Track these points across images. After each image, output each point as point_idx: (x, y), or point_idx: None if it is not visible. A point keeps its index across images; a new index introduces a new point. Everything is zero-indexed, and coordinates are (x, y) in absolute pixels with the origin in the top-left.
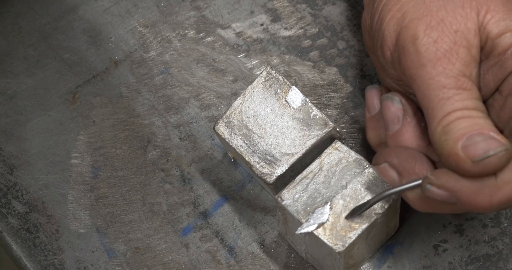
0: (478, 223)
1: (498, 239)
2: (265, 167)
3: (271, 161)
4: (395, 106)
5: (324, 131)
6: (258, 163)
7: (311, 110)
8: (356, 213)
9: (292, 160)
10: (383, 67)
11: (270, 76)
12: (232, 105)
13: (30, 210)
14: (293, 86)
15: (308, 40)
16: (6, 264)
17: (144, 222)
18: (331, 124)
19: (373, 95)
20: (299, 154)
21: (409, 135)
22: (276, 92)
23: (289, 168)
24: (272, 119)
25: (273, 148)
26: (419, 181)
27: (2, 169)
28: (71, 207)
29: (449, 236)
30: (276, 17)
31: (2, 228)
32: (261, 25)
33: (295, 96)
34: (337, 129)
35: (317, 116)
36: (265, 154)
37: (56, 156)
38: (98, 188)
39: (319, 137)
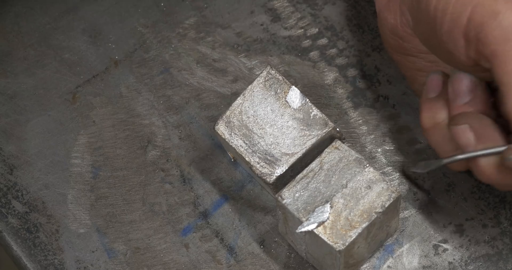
0: (478, 223)
1: (498, 239)
2: (265, 167)
3: (271, 161)
4: (468, 78)
5: (324, 131)
6: (258, 163)
7: (311, 110)
8: (417, 169)
9: (292, 160)
10: (447, 51)
11: (270, 76)
12: (232, 105)
13: (30, 210)
14: (293, 86)
15: (308, 40)
16: (6, 264)
17: (144, 222)
18: (331, 124)
19: (436, 79)
20: (299, 154)
21: (477, 108)
22: (276, 92)
23: (289, 168)
24: (272, 119)
25: (273, 148)
26: (501, 149)
27: (2, 169)
28: (71, 207)
29: (449, 236)
30: (276, 17)
31: (2, 228)
32: (261, 25)
33: (295, 96)
34: (337, 129)
35: (317, 116)
36: (265, 154)
37: (56, 156)
38: (98, 188)
39: (319, 137)
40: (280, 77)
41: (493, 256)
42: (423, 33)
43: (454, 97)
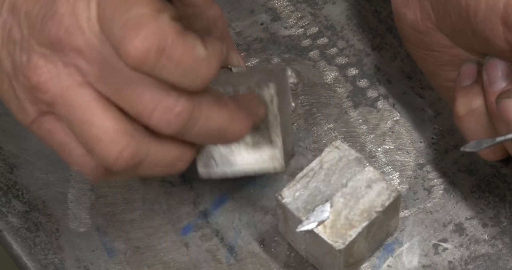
0: (478, 222)
1: (498, 238)
2: None
3: None
4: (503, 63)
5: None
6: None
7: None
8: (469, 148)
9: None
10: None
11: None
12: None
13: (30, 209)
14: None
15: (308, 40)
16: (6, 263)
17: (144, 221)
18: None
19: (470, 67)
20: None
21: None
22: None
23: None
24: None
25: None
26: None
27: (2, 168)
28: (71, 206)
29: (449, 235)
30: (276, 17)
31: (2, 227)
32: (261, 24)
33: None
34: None
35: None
36: None
37: (56, 155)
38: (98, 187)
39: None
40: None
41: (493, 255)
42: (451, 25)
43: (489, 83)
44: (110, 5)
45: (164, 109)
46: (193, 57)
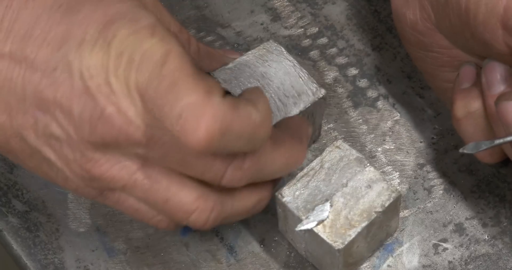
0: (478, 222)
1: (498, 238)
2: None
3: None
4: (501, 67)
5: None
6: None
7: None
8: (467, 149)
9: None
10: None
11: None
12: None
13: (30, 209)
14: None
15: (308, 40)
16: (6, 263)
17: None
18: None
19: (469, 69)
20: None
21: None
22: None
23: None
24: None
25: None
26: None
27: (2, 168)
28: (71, 206)
29: (449, 235)
30: (276, 17)
31: (2, 227)
32: (261, 24)
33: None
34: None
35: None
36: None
37: None
38: None
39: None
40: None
41: (493, 255)
42: (450, 26)
43: (488, 86)
44: (155, 97)
45: (234, 170)
46: (252, 125)
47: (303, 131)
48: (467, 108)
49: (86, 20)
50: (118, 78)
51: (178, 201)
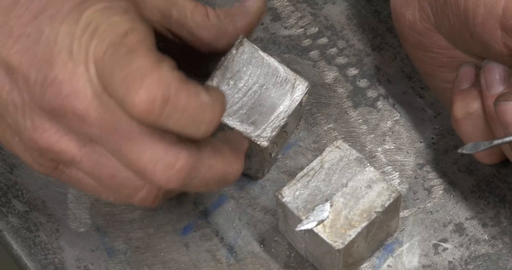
0: (478, 222)
1: (498, 238)
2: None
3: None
4: (500, 67)
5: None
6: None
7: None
8: (466, 150)
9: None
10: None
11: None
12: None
13: (30, 209)
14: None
15: (308, 40)
16: (6, 263)
17: (144, 221)
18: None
19: (468, 70)
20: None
21: None
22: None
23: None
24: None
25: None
26: None
27: (2, 168)
28: (71, 206)
29: (449, 235)
30: (276, 17)
31: (2, 227)
32: (261, 24)
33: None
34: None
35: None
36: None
37: None
38: None
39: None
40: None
41: (493, 255)
42: (449, 27)
43: (487, 87)
44: (109, 62)
45: (165, 166)
46: (198, 104)
47: (240, 146)
48: (466, 109)
49: None
50: (81, 45)
51: (124, 176)
